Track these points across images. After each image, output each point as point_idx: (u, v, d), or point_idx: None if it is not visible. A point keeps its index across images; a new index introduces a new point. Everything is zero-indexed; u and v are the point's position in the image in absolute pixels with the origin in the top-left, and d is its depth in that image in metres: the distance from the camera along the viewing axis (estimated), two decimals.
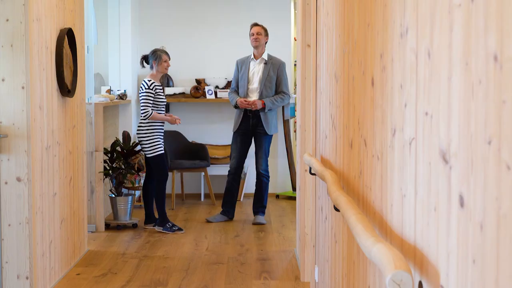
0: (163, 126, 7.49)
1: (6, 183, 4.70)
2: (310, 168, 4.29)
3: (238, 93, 7.87)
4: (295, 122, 9.32)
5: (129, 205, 7.62)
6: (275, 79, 7.82)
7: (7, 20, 4.65)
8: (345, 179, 3.24)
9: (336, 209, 2.86)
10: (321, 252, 4.44)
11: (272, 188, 9.55)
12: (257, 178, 7.94)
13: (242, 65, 7.93)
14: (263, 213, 7.94)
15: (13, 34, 4.66)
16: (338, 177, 3.37)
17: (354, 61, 2.95)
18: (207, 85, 9.64)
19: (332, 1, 3.78)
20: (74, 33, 5.85)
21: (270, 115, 7.80)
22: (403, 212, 1.98)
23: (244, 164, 8.20)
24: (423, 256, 1.75)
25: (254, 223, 7.84)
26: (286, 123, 9.58)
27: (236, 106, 7.81)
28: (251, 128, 7.81)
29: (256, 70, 7.86)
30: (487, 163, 1.27)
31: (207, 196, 9.60)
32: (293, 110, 9.43)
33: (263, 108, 7.69)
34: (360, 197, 2.78)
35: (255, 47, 7.85)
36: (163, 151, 7.48)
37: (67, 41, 5.65)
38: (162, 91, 7.47)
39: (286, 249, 6.71)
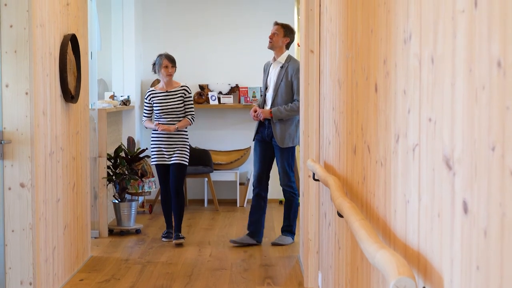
0: (164, 135, 7.12)
1: (9, 189, 4.70)
2: (314, 174, 4.29)
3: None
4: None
5: (133, 211, 7.62)
6: (291, 85, 6.89)
7: (11, 26, 4.66)
8: (348, 185, 3.24)
9: (340, 215, 2.86)
10: (324, 258, 4.43)
11: (275, 194, 9.54)
12: (283, 194, 7.16)
13: (266, 69, 7.15)
14: (287, 232, 7.14)
15: (17, 40, 4.67)
16: (342, 183, 3.37)
17: (357, 67, 2.95)
18: (211, 91, 9.64)
19: (336, 7, 3.78)
20: (78, 39, 5.86)
21: (283, 125, 6.89)
22: (406, 218, 1.98)
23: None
24: (426, 262, 1.74)
25: (272, 243, 7.11)
26: None
27: None
28: (268, 138, 7.02)
29: (272, 75, 7.01)
30: (491, 169, 1.27)
31: (210, 202, 9.59)
32: None
33: (272, 118, 6.88)
34: (363, 203, 2.78)
35: (269, 49, 7.06)
36: (155, 162, 7.19)
37: (71, 47, 5.66)
38: (162, 98, 7.14)
39: (289, 255, 6.71)
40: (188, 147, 7.24)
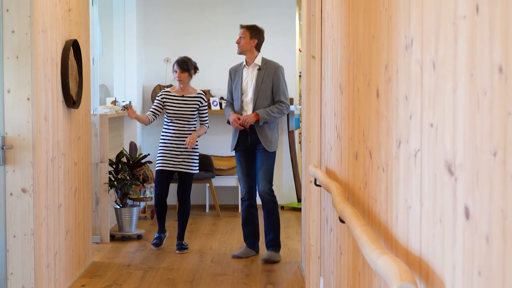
0: (175, 141, 6.96)
1: (11, 194, 4.71)
2: (315, 180, 4.29)
3: (233, 106, 6.79)
4: (300, 133, 9.32)
5: (134, 216, 7.62)
6: (271, 87, 6.66)
7: (13, 31, 4.67)
8: (350, 190, 3.24)
9: (341, 221, 2.86)
10: (326, 264, 4.43)
11: (277, 200, 9.52)
12: (262, 204, 6.75)
13: (235, 74, 6.82)
14: (276, 246, 6.71)
15: (18, 45, 4.67)
16: (343, 188, 3.37)
17: (359, 72, 2.96)
18: (212, 96, 9.65)
19: (337, 12, 3.78)
20: (80, 44, 5.87)
21: (269, 128, 6.64)
22: (408, 223, 1.98)
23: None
24: (428, 267, 1.74)
25: (264, 260, 6.64)
26: (291, 134, 9.58)
27: (229, 122, 6.75)
28: (251, 146, 6.69)
29: (249, 79, 6.70)
30: (493, 175, 1.27)
31: (212, 207, 9.59)
32: (298, 121, 9.43)
33: (258, 121, 6.56)
34: (365, 209, 2.78)
35: (239, 54, 6.78)
36: (160, 167, 6.99)
37: (73, 52, 5.67)
38: (176, 102, 6.99)
39: (291, 261, 6.70)
40: (198, 156, 7.09)
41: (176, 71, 7.02)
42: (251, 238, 6.85)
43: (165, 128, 7.03)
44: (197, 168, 7.10)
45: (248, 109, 6.65)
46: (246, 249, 6.86)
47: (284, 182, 9.82)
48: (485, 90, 1.31)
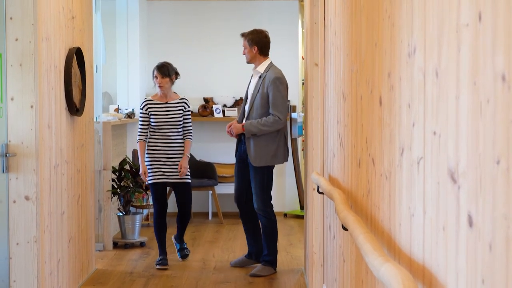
0: (163, 152, 6.64)
1: (14, 201, 4.71)
2: (318, 187, 4.29)
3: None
4: (303, 140, 9.32)
5: (137, 223, 7.62)
6: (267, 97, 6.27)
7: (17, 39, 4.68)
8: (353, 198, 3.24)
9: (344, 228, 2.86)
10: (329, 271, 4.42)
11: (280, 207, 9.53)
12: (259, 220, 6.53)
13: (249, 81, 6.63)
14: (265, 262, 6.43)
15: (22, 53, 4.68)
16: (346, 196, 3.37)
17: (361, 80, 2.96)
18: (215, 104, 9.66)
19: (340, 20, 3.79)
20: (83, 52, 5.88)
21: (257, 141, 6.26)
22: (411, 231, 1.98)
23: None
24: (431, 275, 1.74)
25: (250, 274, 6.40)
26: (294, 141, 9.58)
27: None
28: (244, 156, 6.42)
29: (250, 87, 6.47)
30: (496, 183, 1.27)
31: (215, 215, 9.58)
32: (301, 128, 9.44)
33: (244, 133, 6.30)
34: (368, 216, 2.78)
35: (248, 63, 6.56)
36: (153, 180, 6.63)
37: (76, 60, 5.68)
38: (161, 109, 6.64)
39: (294, 268, 6.69)
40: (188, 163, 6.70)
41: (156, 77, 6.65)
42: (251, 247, 6.66)
43: (152, 138, 6.64)
44: (189, 176, 6.74)
45: (247, 118, 6.37)
46: (243, 258, 6.73)
47: (287, 190, 9.82)
48: (488, 98, 1.31)
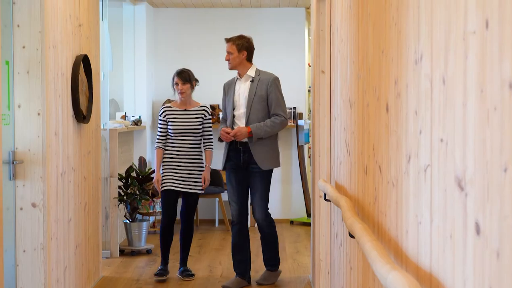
0: (179, 161, 6.50)
1: (21, 209, 4.72)
2: (325, 194, 4.28)
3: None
4: (310, 148, 9.32)
5: (144, 231, 7.62)
6: (266, 99, 6.19)
7: (24, 47, 4.69)
8: (360, 205, 3.23)
9: (351, 236, 2.85)
10: (336, 279, 4.41)
11: (286, 214, 9.52)
12: (258, 228, 6.36)
13: (228, 89, 6.38)
14: (272, 265, 6.40)
15: (29, 61, 4.70)
16: (353, 203, 3.36)
17: (368, 87, 2.96)
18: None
19: (347, 27, 3.79)
20: (90, 59, 5.89)
21: (263, 145, 6.16)
22: (418, 239, 1.97)
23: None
24: (439, 283, 1.74)
25: (257, 282, 6.35)
26: (300, 148, 9.57)
27: (220, 139, 6.29)
28: (243, 165, 6.20)
29: (241, 92, 6.25)
30: (503, 190, 1.27)
31: (221, 222, 9.58)
32: (308, 136, 9.44)
33: (251, 137, 6.10)
34: (375, 224, 2.77)
35: (231, 70, 6.39)
36: (165, 186, 6.48)
37: (83, 67, 5.69)
38: (180, 116, 6.52)
39: (300, 276, 6.68)
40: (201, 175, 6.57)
41: (177, 84, 6.56)
42: (241, 267, 6.30)
43: (170, 146, 6.52)
44: (201, 187, 6.57)
45: (241, 124, 6.17)
46: (237, 280, 6.28)
47: (293, 197, 9.81)
48: (495, 105, 1.31)
